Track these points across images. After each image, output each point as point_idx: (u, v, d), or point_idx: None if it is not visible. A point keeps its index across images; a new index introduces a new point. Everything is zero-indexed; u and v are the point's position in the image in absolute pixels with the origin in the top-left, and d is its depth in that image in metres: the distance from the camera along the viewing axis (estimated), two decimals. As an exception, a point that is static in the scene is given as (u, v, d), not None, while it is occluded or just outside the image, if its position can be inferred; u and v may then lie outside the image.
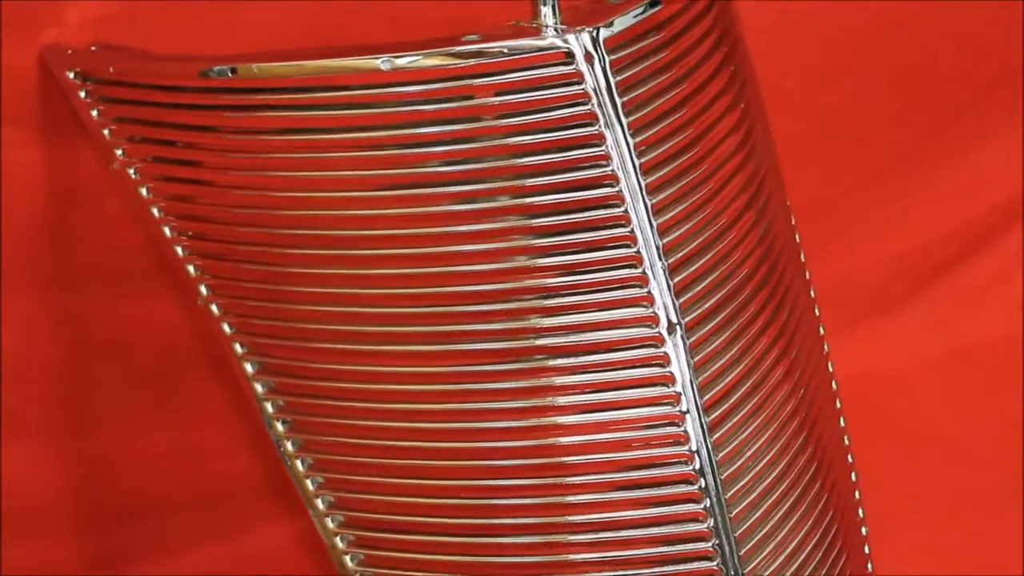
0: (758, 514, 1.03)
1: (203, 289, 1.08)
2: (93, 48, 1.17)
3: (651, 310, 0.97)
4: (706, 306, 1.00)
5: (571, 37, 0.94)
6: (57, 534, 1.63)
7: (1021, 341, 1.77)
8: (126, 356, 1.60)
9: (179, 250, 1.09)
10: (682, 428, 0.99)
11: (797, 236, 1.17)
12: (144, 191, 1.09)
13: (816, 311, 1.18)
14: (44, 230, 1.51)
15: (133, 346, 1.60)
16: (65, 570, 1.62)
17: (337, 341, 1.03)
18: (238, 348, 1.08)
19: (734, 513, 1.01)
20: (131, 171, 1.09)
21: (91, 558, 1.64)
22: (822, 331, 1.19)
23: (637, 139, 0.96)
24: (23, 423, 1.57)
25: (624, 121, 0.95)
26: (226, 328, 1.09)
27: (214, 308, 1.09)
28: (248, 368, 1.08)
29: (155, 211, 1.09)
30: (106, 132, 1.09)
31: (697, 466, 0.99)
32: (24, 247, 1.49)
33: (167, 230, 1.09)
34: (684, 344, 0.98)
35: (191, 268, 1.09)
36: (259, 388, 1.08)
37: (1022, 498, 1.60)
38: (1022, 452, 1.66)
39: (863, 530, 1.21)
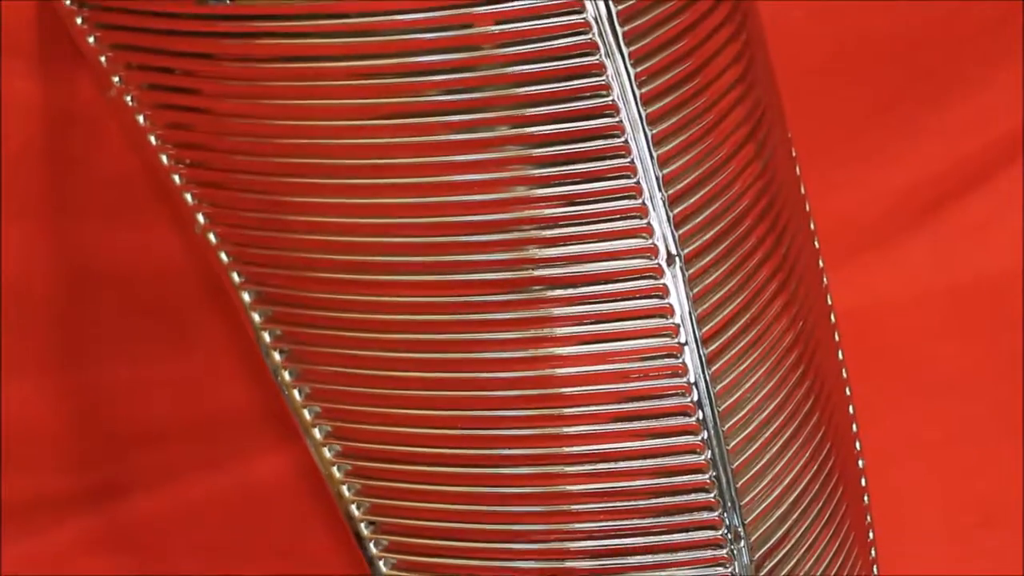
0: (755, 446, 1.03)
1: (200, 218, 1.08)
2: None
3: (650, 241, 0.97)
4: (705, 238, 0.99)
5: None
6: (56, 464, 1.63)
7: (1021, 276, 1.76)
8: (123, 285, 1.60)
9: (176, 178, 1.08)
10: (680, 360, 0.98)
11: (798, 169, 1.17)
12: (141, 119, 1.08)
13: (816, 244, 1.18)
14: (41, 158, 1.51)
15: (130, 276, 1.60)
16: (64, 499, 1.63)
17: (335, 271, 1.03)
18: (235, 277, 1.08)
19: (731, 445, 1.01)
20: (128, 98, 1.08)
21: (90, 487, 1.64)
22: (821, 264, 1.19)
23: (638, 69, 0.96)
24: (21, 353, 1.57)
25: (625, 51, 0.95)
26: (223, 257, 1.08)
27: (211, 237, 1.08)
28: (246, 297, 1.08)
29: (152, 139, 1.08)
30: (103, 59, 1.09)
31: (695, 398, 0.99)
32: (21, 175, 1.48)
33: (164, 158, 1.08)
34: (683, 276, 0.98)
35: (188, 196, 1.08)
36: (256, 318, 1.08)
37: (1020, 432, 1.60)
38: (1019, 386, 1.66)
39: (860, 463, 1.21)
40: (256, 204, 1.05)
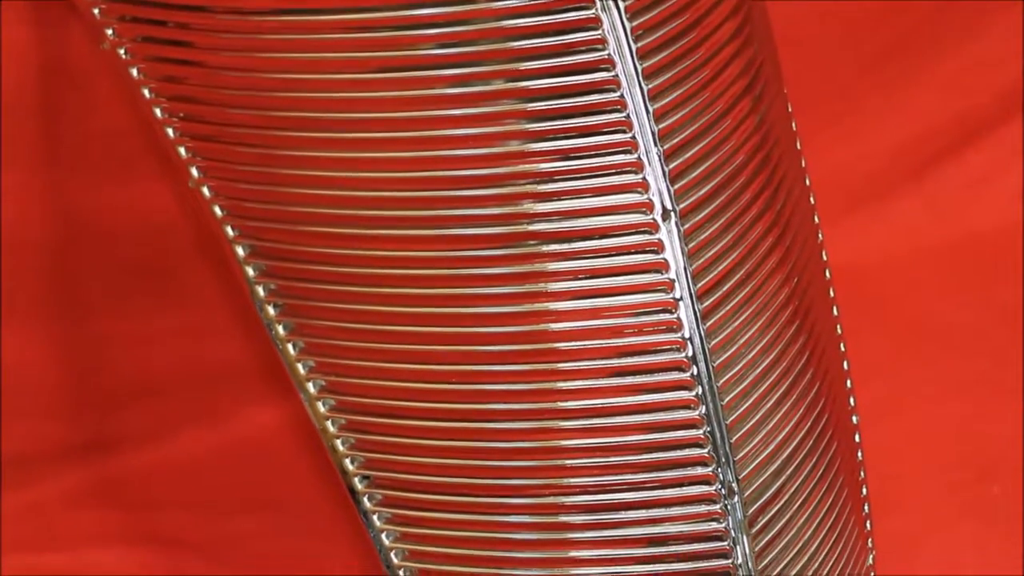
0: (749, 402, 1.03)
1: (194, 171, 1.08)
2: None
3: (646, 196, 0.97)
4: (701, 193, 0.99)
5: None
6: (50, 417, 1.63)
7: (1017, 231, 1.76)
8: (117, 240, 1.60)
9: (170, 132, 1.08)
10: (675, 315, 0.98)
11: (793, 124, 1.17)
12: (135, 71, 1.08)
13: (811, 199, 1.18)
14: (35, 111, 1.50)
15: (124, 230, 1.59)
16: (57, 453, 1.63)
17: (329, 225, 1.03)
18: (229, 231, 1.08)
19: (726, 400, 1.01)
20: (121, 51, 1.08)
21: (84, 440, 1.64)
22: (817, 220, 1.18)
23: (634, 23, 0.95)
24: (16, 306, 1.57)
25: (621, 5, 0.94)
26: (217, 211, 1.08)
27: (205, 191, 1.08)
28: (239, 251, 1.08)
29: (146, 92, 1.08)
30: (96, 11, 1.08)
31: (689, 353, 0.99)
32: (15, 128, 1.48)
33: (158, 111, 1.08)
34: (678, 231, 0.97)
35: (182, 150, 1.08)
36: (250, 271, 1.08)
37: (1016, 387, 1.61)
38: (1016, 341, 1.66)
39: (854, 419, 1.21)
40: (250, 158, 1.05)
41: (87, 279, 1.61)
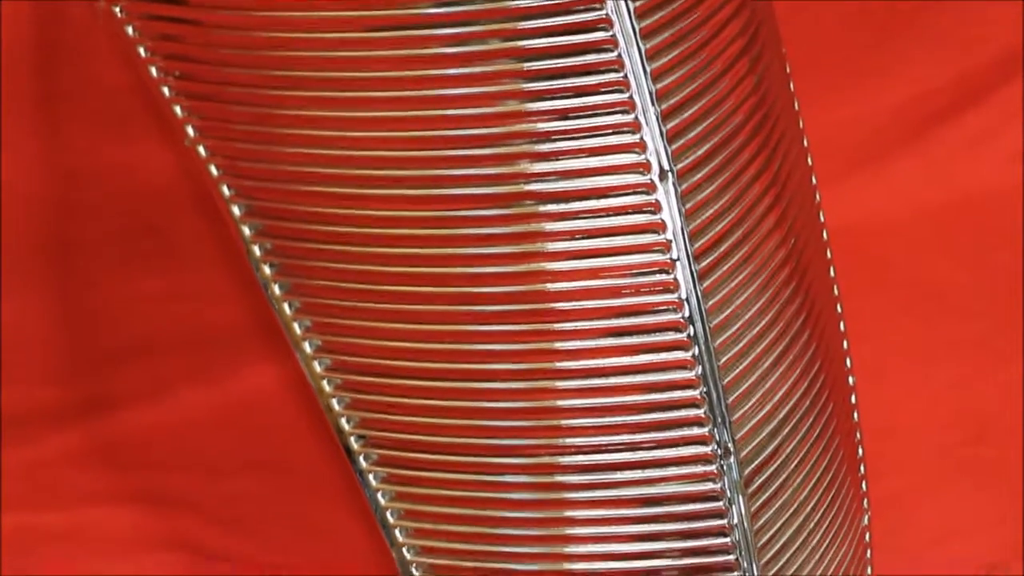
0: (746, 362, 1.03)
1: (190, 130, 1.07)
2: None
3: (643, 156, 0.96)
4: (698, 153, 0.99)
5: None
6: (48, 377, 1.64)
7: (1014, 193, 1.76)
8: (115, 199, 1.60)
9: (166, 90, 1.07)
10: (672, 275, 0.98)
11: (791, 85, 1.16)
12: (130, 30, 1.07)
13: (809, 160, 1.17)
14: (32, 71, 1.50)
15: (122, 189, 1.59)
16: (55, 412, 1.63)
17: (326, 184, 1.02)
18: (225, 190, 1.08)
19: (722, 361, 1.01)
20: (117, 9, 1.07)
21: (82, 400, 1.65)
22: (815, 180, 1.18)
23: (633, -18, 0.95)
24: (13, 266, 1.57)
25: (619, -36, 0.94)
26: (213, 170, 1.08)
27: (201, 150, 1.08)
28: (236, 210, 1.08)
29: (142, 50, 1.07)
30: (92, -30, 1.08)
31: (686, 314, 0.99)
32: (12, 88, 1.48)
33: (154, 70, 1.07)
34: (675, 191, 0.97)
35: (178, 109, 1.07)
36: (246, 231, 1.08)
37: (1011, 348, 1.61)
38: (1012, 303, 1.66)
39: (850, 379, 1.21)
40: (246, 117, 1.04)
41: (84, 240, 1.61)
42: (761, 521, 1.06)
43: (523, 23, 0.95)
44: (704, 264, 0.99)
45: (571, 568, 1.07)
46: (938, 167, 1.78)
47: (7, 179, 1.51)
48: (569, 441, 1.04)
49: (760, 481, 1.05)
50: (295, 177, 1.04)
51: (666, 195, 0.97)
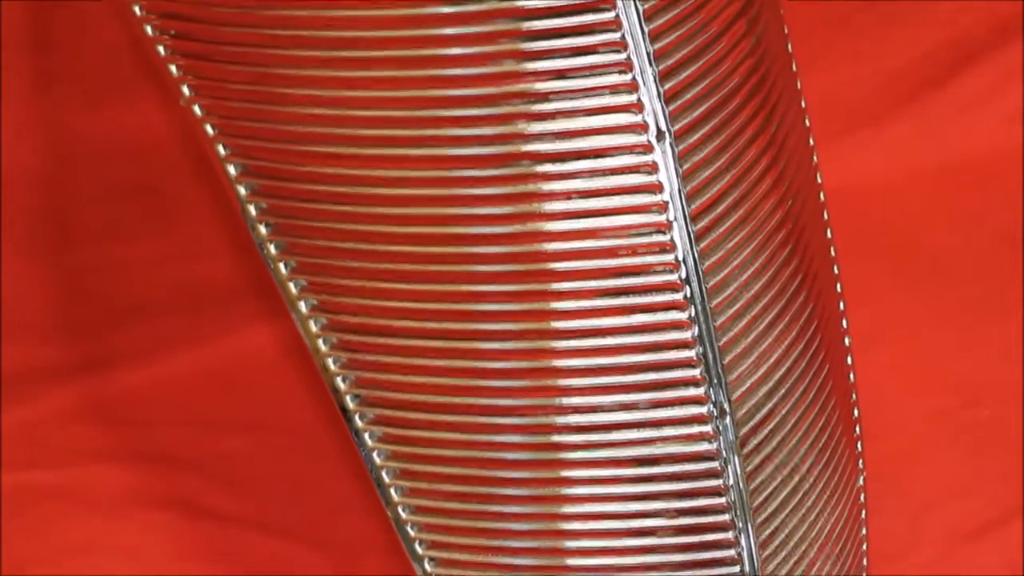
0: (742, 323, 1.03)
1: (185, 90, 1.07)
2: None
3: (640, 117, 0.96)
4: (696, 114, 0.99)
5: None
6: (44, 336, 1.64)
7: (1014, 155, 1.76)
8: (110, 159, 1.60)
9: (161, 49, 1.07)
10: (669, 236, 0.98)
11: (789, 46, 1.16)
12: (125, -11, 1.07)
13: (807, 122, 1.17)
14: (27, 32, 1.50)
15: (115, 148, 1.59)
16: (50, 372, 1.64)
17: (322, 144, 1.02)
18: (221, 150, 1.07)
19: (719, 322, 1.01)
20: (112, -33, 1.07)
21: (78, 359, 1.65)
22: (812, 142, 1.18)
23: (630, -59, 0.94)
24: (8, 227, 1.57)
25: (617, -76, 0.94)
26: (209, 130, 1.07)
27: (196, 109, 1.07)
28: (231, 171, 1.07)
29: (136, 9, 1.07)
30: (86, -74, 1.07)
31: (683, 275, 0.99)
32: (8, 50, 1.47)
33: (149, 29, 1.07)
34: (673, 152, 0.97)
35: (173, 68, 1.07)
36: (242, 190, 1.07)
37: (1007, 311, 1.61)
38: (1008, 265, 1.66)
39: (846, 341, 1.21)
40: (242, 76, 1.04)
41: (80, 200, 1.61)
42: (756, 482, 1.06)
43: (521, -17, 0.95)
44: (701, 225, 0.99)
45: (566, 527, 1.08)
46: (935, 129, 1.78)
47: (2, 140, 1.51)
48: (565, 401, 1.04)
49: (756, 442, 1.05)
50: (291, 137, 1.03)
51: (663, 156, 0.97)
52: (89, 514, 1.53)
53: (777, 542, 1.09)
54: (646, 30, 0.95)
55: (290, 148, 1.04)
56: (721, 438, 1.03)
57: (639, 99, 0.96)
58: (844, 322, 1.21)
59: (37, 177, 1.58)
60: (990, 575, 1.38)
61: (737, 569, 1.06)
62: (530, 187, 0.99)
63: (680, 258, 0.99)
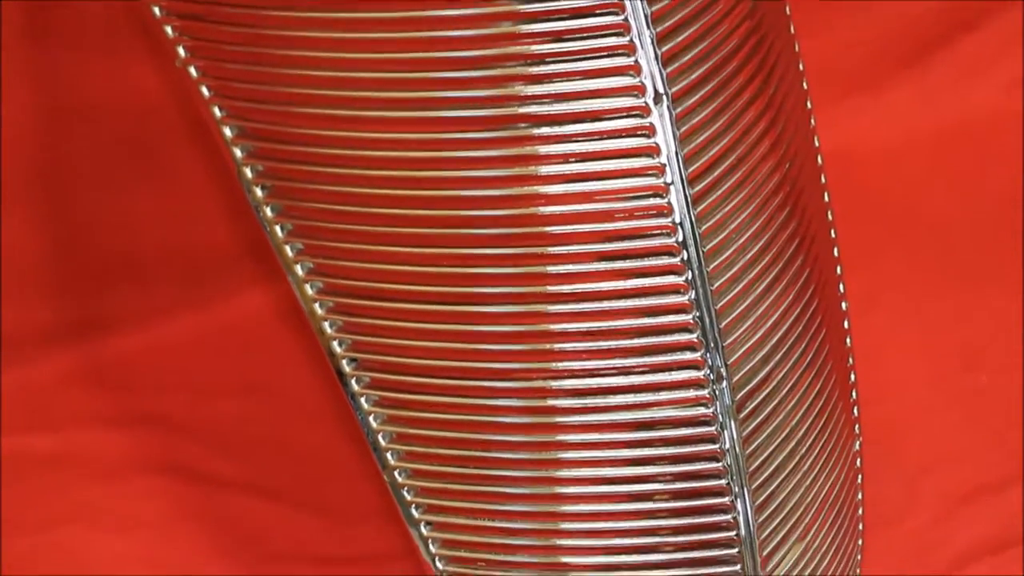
0: (739, 287, 1.03)
1: (181, 51, 1.06)
2: None
3: (638, 79, 0.96)
4: (693, 77, 0.98)
5: None
6: (39, 298, 1.63)
7: (1013, 120, 1.75)
8: (104, 120, 1.59)
9: (156, 11, 1.06)
10: (666, 200, 0.98)
11: (788, 9, 1.16)
12: (121, -51, 1.06)
13: (804, 85, 1.17)
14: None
15: (111, 110, 1.59)
16: (46, 335, 1.63)
17: (318, 106, 1.02)
18: (217, 112, 1.07)
19: (715, 286, 1.00)
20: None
21: (73, 322, 1.65)
22: (809, 105, 1.18)
23: (627, -98, 0.94)
24: (5, 190, 1.57)
25: None
26: (204, 91, 1.07)
27: (192, 71, 1.07)
28: (227, 132, 1.07)
29: (132, -31, 1.06)
30: None
31: (680, 238, 0.99)
32: (1, 9, 1.47)
33: (145, -11, 1.06)
34: (670, 115, 0.97)
35: (169, 29, 1.06)
36: (238, 152, 1.07)
37: (1004, 276, 1.61)
38: (1006, 231, 1.66)
39: (843, 305, 1.21)
40: (237, 37, 1.03)
41: (76, 160, 1.61)
42: (753, 446, 1.06)
43: (517, -56, 0.94)
44: (698, 188, 0.99)
45: (562, 492, 1.08)
46: (934, 94, 1.77)
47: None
48: (562, 365, 1.03)
49: (752, 406, 1.05)
50: (288, 99, 1.03)
51: (660, 119, 0.97)
52: (85, 479, 1.53)
53: (773, 506, 1.09)
54: (644, -7, 0.95)
55: (287, 110, 1.04)
56: (718, 402, 1.03)
57: (636, 61, 0.95)
58: (841, 286, 1.20)
59: (32, 137, 1.58)
60: (985, 539, 1.38)
61: (733, 533, 1.06)
62: (527, 150, 0.98)
63: (677, 221, 0.98)
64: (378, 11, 0.98)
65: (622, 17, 0.95)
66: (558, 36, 0.96)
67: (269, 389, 1.59)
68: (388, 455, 1.11)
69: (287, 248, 1.08)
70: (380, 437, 1.11)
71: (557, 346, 1.03)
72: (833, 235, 1.19)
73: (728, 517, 1.06)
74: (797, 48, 1.16)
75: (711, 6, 1.01)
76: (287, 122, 1.04)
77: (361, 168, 1.02)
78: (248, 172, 1.07)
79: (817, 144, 1.18)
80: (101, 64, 1.57)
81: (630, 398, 1.03)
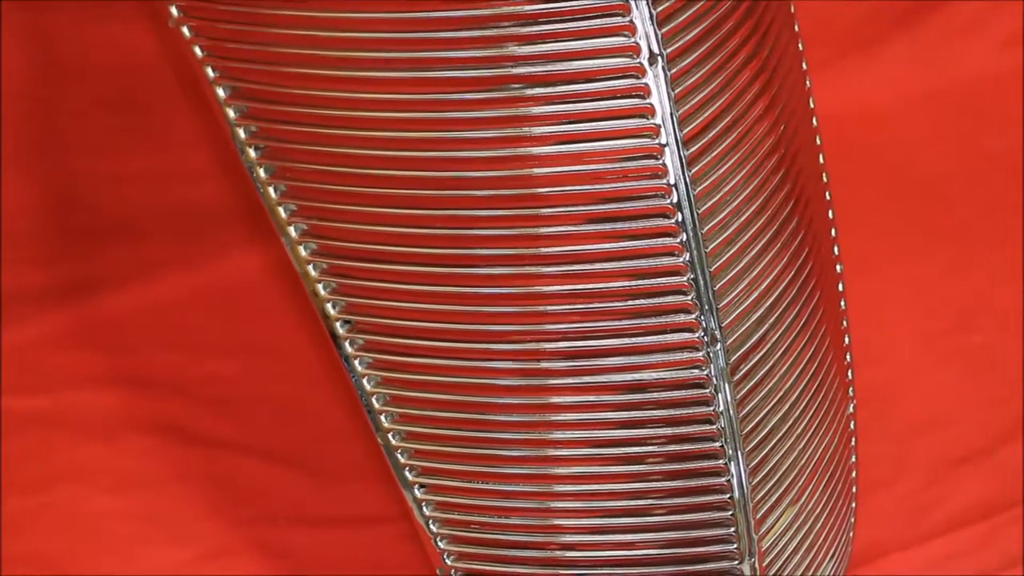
0: (734, 249, 1.02)
1: (174, 10, 1.06)
2: None
3: (632, 40, 0.95)
4: (688, 37, 0.98)
5: None
6: (32, 259, 1.63)
7: (1005, 80, 1.75)
8: (98, 80, 1.59)
9: (149, -31, 1.06)
10: (660, 161, 0.97)
11: (783, -32, 1.15)
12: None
13: (799, 46, 1.16)
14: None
15: (105, 70, 1.58)
16: (38, 294, 1.63)
17: (311, 65, 1.01)
18: (210, 72, 1.06)
19: (710, 248, 1.00)
20: None
21: (66, 282, 1.64)
22: (805, 66, 1.17)
23: None
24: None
25: None
26: (198, 51, 1.06)
27: (185, 31, 1.06)
28: (220, 92, 1.06)
29: (123, -72, 1.06)
30: None
31: (674, 199, 0.98)
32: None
33: (135, -52, 1.06)
34: (665, 75, 0.96)
35: (161, -12, 1.06)
36: (231, 113, 1.06)
37: (997, 237, 1.61)
38: (999, 191, 1.66)
39: (838, 267, 1.21)
40: (230, -3, 1.03)
41: (69, 119, 1.60)
42: (747, 409, 1.06)
43: (510, -98, 0.94)
44: (693, 150, 0.98)
45: (556, 454, 1.08)
46: (928, 53, 1.77)
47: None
48: (555, 327, 1.03)
49: (746, 369, 1.05)
50: (281, 58, 1.02)
51: (655, 79, 0.96)
52: (80, 439, 1.53)
53: (767, 469, 1.09)
54: (639, -49, 0.94)
55: (280, 71, 1.03)
56: (712, 365, 1.03)
57: (631, 21, 0.95)
58: (835, 248, 1.20)
59: (24, 95, 1.57)
60: (979, 501, 1.38)
61: (727, 496, 1.07)
62: (520, 110, 0.98)
63: (671, 183, 0.98)
64: (371, -29, 0.97)
65: (617, -24, 0.94)
66: (552, -4, 0.95)
67: (263, 350, 1.59)
68: (382, 417, 1.11)
69: (280, 209, 1.07)
70: (374, 399, 1.11)
71: (551, 308, 1.03)
72: (828, 197, 1.19)
73: (722, 480, 1.06)
74: (792, 9, 1.16)
75: (707, -35, 1.00)
76: (280, 83, 1.03)
77: (355, 129, 1.02)
78: (242, 133, 1.07)
79: (812, 105, 1.18)
80: (95, 24, 1.56)
81: (624, 361, 1.03)
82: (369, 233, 1.05)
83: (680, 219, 0.99)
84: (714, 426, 1.04)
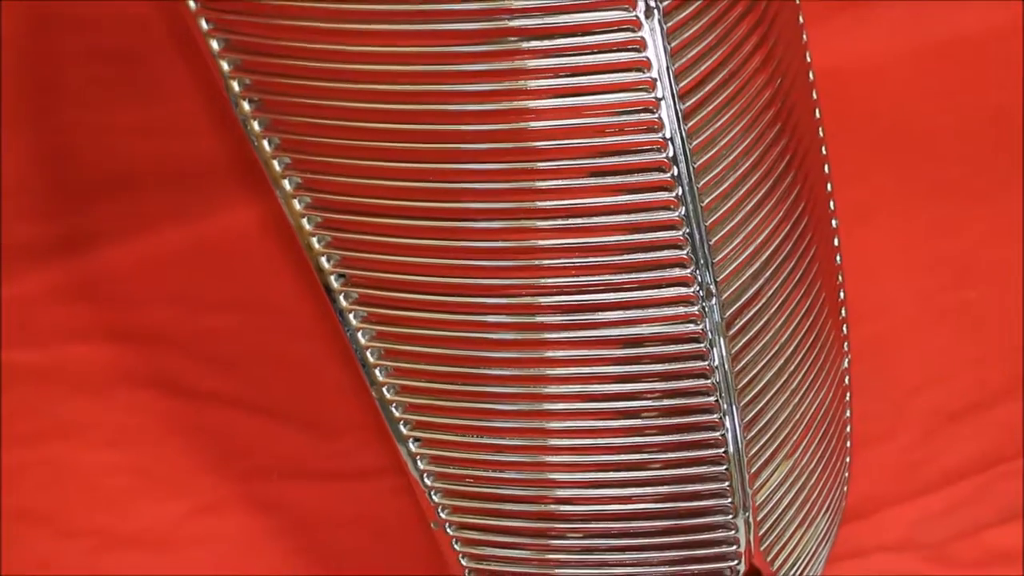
0: (729, 203, 1.02)
1: (167, -37, 1.05)
2: None
3: (628, -8, 0.95)
4: (685, -11, 0.97)
5: None
6: (25, 213, 1.63)
7: (1003, 35, 1.74)
8: (90, 30, 1.58)
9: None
10: (656, 115, 0.97)
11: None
12: None
13: (796, 0, 1.16)
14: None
15: (99, 23, 1.57)
16: (33, 248, 1.63)
17: (306, 18, 1.01)
18: (204, 24, 1.05)
19: (706, 202, 1.00)
20: None
21: (60, 236, 1.64)
22: (802, 20, 1.17)
23: None
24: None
25: None
26: (191, 4, 1.05)
27: (179, -17, 1.05)
28: (214, 46, 1.06)
29: None
30: None
31: (670, 154, 0.98)
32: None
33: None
34: (661, 29, 0.96)
35: (154, -60, 1.05)
36: (225, 66, 1.06)
37: (994, 192, 1.61)
38: (995, 146, 1.65)
39: (833, 222, 1.21)
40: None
41: (63, 73, 1.59)
42: (742, 363, 1.06)
43: None
44: (689, 104, 0.98)
45: (551, 408, 1.08)
46: (926, 8, 1.76)
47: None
48: (550, 281, 1.03)
49: (741, 323, 1.05)
50: (275, 11, 1.02)
51: (651, 32, 0.96)
52: (74, 393, 1.53)
53: (761, 423, 1.09)
54: (636, -96, 0.93)
55: (274, 22, 1.02)
56: (707, 320, 1.03)
57: (627, -26, 0.94)
58: (831, 203, 1.20)
59: (15, 48, 1.57)
60: (974, 456, 1.38)
61: (722, 451, 1.07)
62: (516, 63, 0.97)
63: (667, 137, 0.98)
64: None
65: (613, -72, 0.94)
66: (548, -52, 0.95)
67: (257, 304, 1.59)
68: (376, 371, 1.11)
69: (275, 163, 1.07)
70: (368, 353, 1.10)
71: (546, 262, 1.03)
72: (824, 152, 1.19)
73: (716, 434, 1.06)
74: (789, -38, 1.15)
75: (703, -81, 1.00)
76: (275, 35, 1.03)
77: (350, 82, 1.01)
78: (236, 86, 1.06)
79: (809, 59, 1.17)
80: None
81: (619, 315, 1.03)
82: (364, 187, 1.04)
83: (676, 173, 0.98)
84: (709, 381, 1.04)
